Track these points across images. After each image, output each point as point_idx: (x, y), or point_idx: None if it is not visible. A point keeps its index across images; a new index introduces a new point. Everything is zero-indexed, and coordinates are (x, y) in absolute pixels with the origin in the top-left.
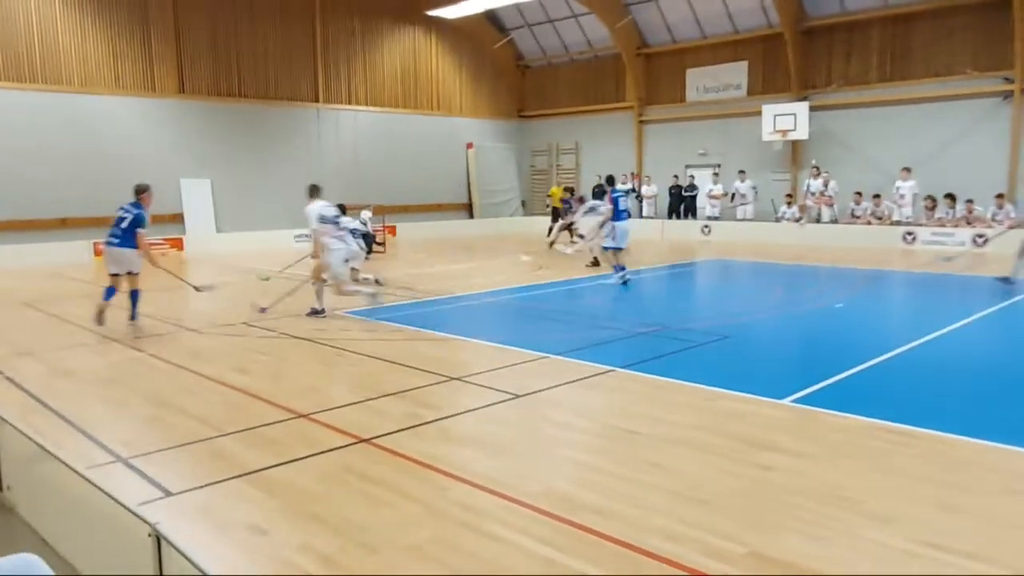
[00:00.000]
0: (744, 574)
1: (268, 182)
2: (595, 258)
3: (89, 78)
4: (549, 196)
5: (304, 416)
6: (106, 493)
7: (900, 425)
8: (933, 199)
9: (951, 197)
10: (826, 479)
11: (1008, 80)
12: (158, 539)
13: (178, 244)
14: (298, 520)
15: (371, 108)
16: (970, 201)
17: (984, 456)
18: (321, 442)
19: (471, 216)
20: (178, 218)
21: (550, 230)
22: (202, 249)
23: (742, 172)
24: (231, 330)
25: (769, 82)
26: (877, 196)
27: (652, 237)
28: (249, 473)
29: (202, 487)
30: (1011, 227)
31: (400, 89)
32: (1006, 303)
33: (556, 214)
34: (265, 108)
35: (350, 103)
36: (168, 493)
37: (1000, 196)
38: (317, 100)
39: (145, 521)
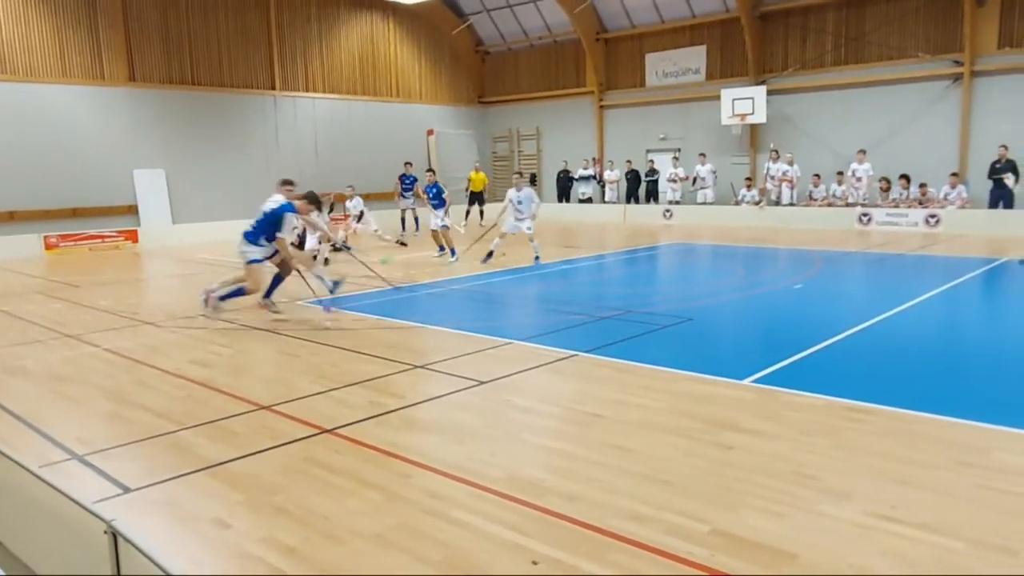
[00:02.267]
0: (707, 551)
1: (225, 171)
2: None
3: (34, 67)
4: (469, 181)
5: (266, 408)
6: (60, 491)
7: (857, 402)
8: (888, 180)
9: (905, 178)
10: (786, 457)
11: (957, 63)
12: (115, 536)
13: (132, 236)
14: (262, 512)
15: (329, 95)
16: (923, 185)
17: (937, 430)
18: (284, 433)
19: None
20: (132, 210)
21: (467, 213)
22: (158, 241)
23: (702, 156)
24: (190, 323)
25: (727, 66)
26: (840, 173)
27: (615, 221)
28: (211, 467)
29: (162, 482)
30: (963, 206)
31: (359, 76)
32: (957, 281)
33: (475, 199)
34: (220, 96)
35: (308, 90)
36: (127, 489)
37: (954, 175)
38: (274, 87)
39: (100, 518)
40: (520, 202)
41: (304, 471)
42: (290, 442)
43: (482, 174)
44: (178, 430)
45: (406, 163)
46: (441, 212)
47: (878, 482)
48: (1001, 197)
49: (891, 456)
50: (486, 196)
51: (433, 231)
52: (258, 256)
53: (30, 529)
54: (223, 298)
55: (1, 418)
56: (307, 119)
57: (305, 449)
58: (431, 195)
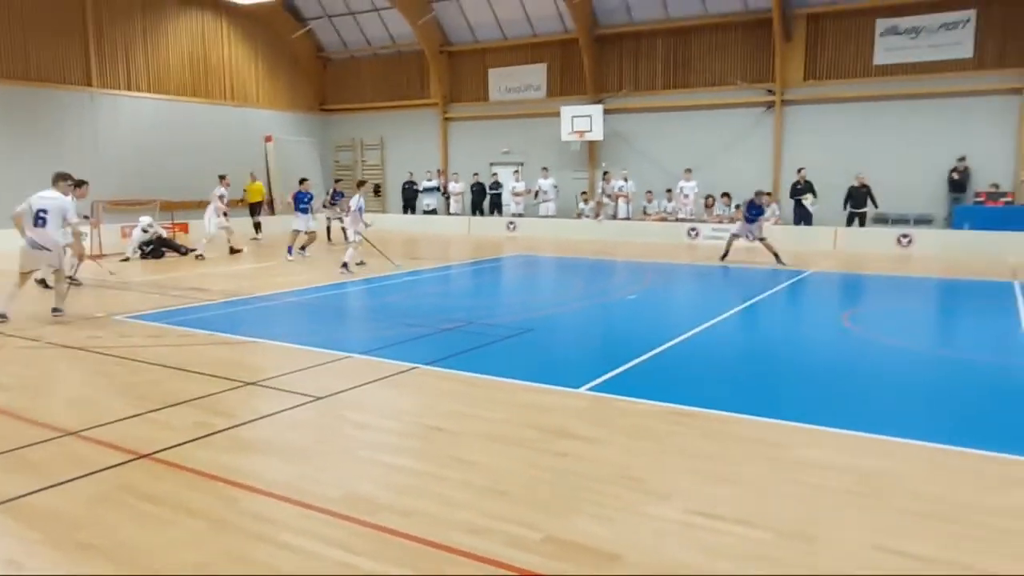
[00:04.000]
0: (540, 559)
1: (33, 172)
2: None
3: None
4: (245, 191)
5: (72, 434)
6: None
7: (681, 406)
8: (712, 197)
9: (727, 196)
10: (614, 461)
11: (770, 92)
12: None
13: None
14: (63, 550)
15: (155, 95)
16: (739, 206)
17: (749, 430)
18: (92, 461)
19: (272, 212)
20: None
21: (256, 226)
22: None
23: (544, 170)
24: None
25: (567, 84)
26: (669, 190)
27: (459, 233)
28: (5, 502)
29: None
30: (776, 223)
31: (189, 76)
32: (768, 292)
33: (253, 210)
34: (27, 90)
35: (130, 89)
36: None
37: (768, 195)
38: (91, 84)
39: None
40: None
41: (117, 501)
42: (100, 470)
43: (259, 184)
44: None
45: (302, 180)
46: (308, 217)
47: (698, 481)
48: (802, 216)
49: (709, 456)
50: (263, 208)
51: (295, 231)
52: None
53: None
54: None
55: None
56: (129, 119)
57: (118, 477)
58: (304, 201)
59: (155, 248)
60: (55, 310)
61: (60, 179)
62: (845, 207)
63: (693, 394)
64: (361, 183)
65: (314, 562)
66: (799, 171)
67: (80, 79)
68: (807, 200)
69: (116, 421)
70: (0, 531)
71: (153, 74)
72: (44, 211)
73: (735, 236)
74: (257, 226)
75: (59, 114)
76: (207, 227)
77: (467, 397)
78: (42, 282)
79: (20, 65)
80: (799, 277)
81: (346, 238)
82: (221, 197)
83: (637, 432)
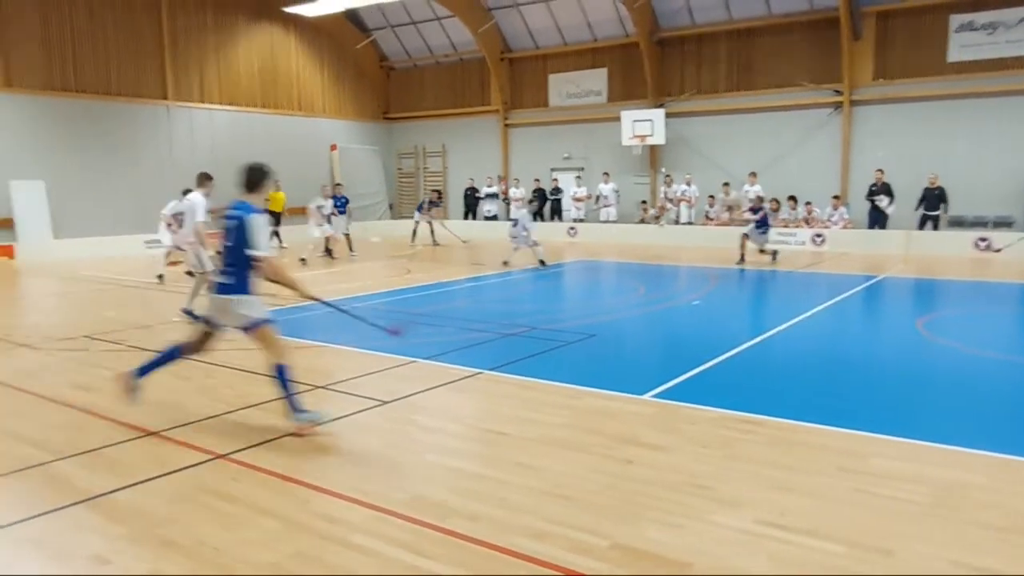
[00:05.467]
0: (607, 566)
1: (114, 184)
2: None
3: None
4: (267, 200)
5: (154, 434)
6: None
7: (748, 414)
8: (777, 201)
9: (793, 199)
10: (681, 469)
11: (838, 93)
12: None
13: (8, 252)
14: (146, 546)
15: (228, 107)
16: (809, 203)
17: (820, 439)
18: (172, 461)
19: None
20: (7, 223)
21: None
22: (37, 257)
23: (605, 175)
24: (72, 344)
25: (628, 89)
26: (727, 189)
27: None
28: (90, 499)
29: (36, 517)
30: (845, 227)
31: (259, 88)
32: (840, 297)
33: (276, 219)
34: (108, 104)
35: (204, 101)
36: None
37: (836, 198)
38: (166, 97)
39: None
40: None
41: (194, 500)
42: (180, 469)
43: (282, 194)
44: (54, 460)
45: (336, 184)
46: (344, 220)
47: (767, 490)
48: (877, 219)
49: (779, 465)
50: (283, 218)
51: (329, 236)
52: None
53: None
54: None
55: None
56: (204, 131)
57: (196, 476)
58: (339, 205)
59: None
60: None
61: (205, 179)
62: (918, 209)
63: (761, 402)
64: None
65: (385, 565)
66: (878, 172)
67: (157, 93)
68: (883, 202)
69: (194, 422)
70: (86, 526)
71: (224, 87)
72: (181, 213)
73: (747, 236)
74: (276, 234)
75: (137, 127)
76: (311, 234)
77: (531, 402)
78: (189, 272)
79: (103, 81)
80: (871, 282)
81: (434, 242)
82: (319, 208)
83: (704, 439)
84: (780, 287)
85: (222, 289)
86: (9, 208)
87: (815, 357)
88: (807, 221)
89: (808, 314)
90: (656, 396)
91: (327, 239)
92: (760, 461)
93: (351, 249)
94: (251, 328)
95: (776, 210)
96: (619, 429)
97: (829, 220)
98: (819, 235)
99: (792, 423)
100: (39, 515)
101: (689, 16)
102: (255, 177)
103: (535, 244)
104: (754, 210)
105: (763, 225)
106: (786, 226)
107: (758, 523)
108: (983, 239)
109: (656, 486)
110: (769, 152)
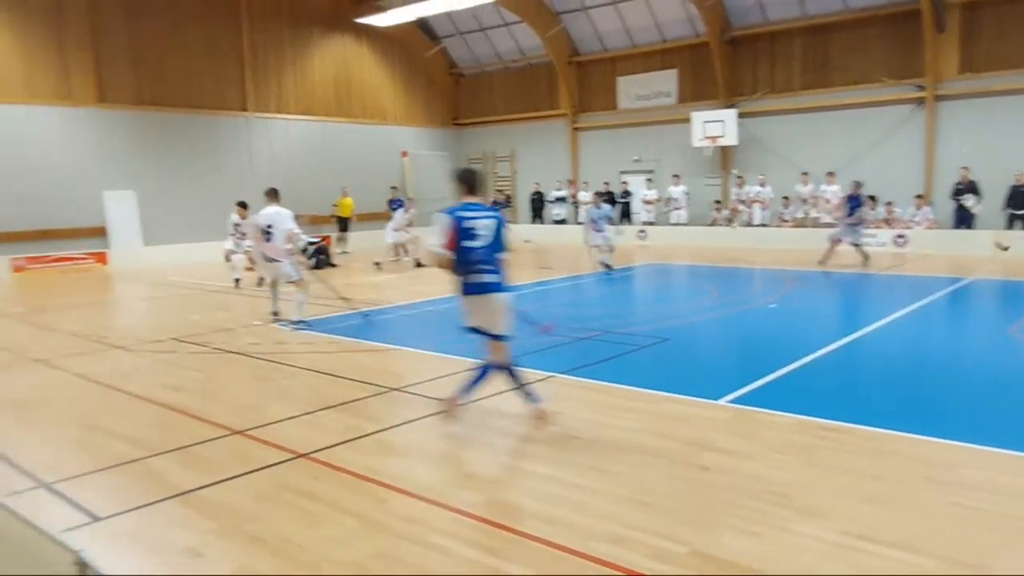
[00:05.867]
0: (686, 573)
1: (198, 193)
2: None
3: (0, 87)
4: (335, 206)
5: (239, 433)
6: (26, 521)
7: (829, 421)
8: None
9: (873, 199)
10: (760, 476)
11: (920, 88)
12: (83, 568)
13: (102, 259)
14: (235, 541)
15: (303, 117)
16: (890, 203)
17: (906, 448)
18: (257, 459)
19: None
20: (101, 231)
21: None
22: (128, 263)
23: (676, 177)
24: (161, 346)
25: (698, 90)
26: (805, 178)
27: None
28: (182, 494)
29: (133, 510)
30: (929, 227)
31: (333, 98)
32: (925, 301)
33: (344, 225)
34: (192, 117)
35: (281, 112)
36: (96, 518)
37: (919, 197)
38: (246, 109)
39: (68, 549)
40: (595, 220)
41: (278, 498)
42: (264, 468)
43: (349, 199)
44: (148, 456)
45: (393, 187)
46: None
47: (850, 500)
48: (963, 218)
49: (863, 474)
50: (351, 223)
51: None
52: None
53: None
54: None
55: None
56: (281, 141)
57: (279, 475)
58: (394, 209)
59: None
60: (294, 322)
61: (275, 194)
62: (1005, 208)
63: (842, 408)
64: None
65: (463, 565)
66: (963, 170)
67: (237, 105)
68: (969, 201)
69: (276, 422)
70: (179, 521)
71: (300, 97)
72: (270, 226)
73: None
74: (341, 239)
75: (218, 138)
76: (388, 239)
77: (604, 406)
78: (260, 280)
79: (186, 95)
80: (958, 285)
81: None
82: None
83: (783, 446)
84: (860, 290)
85: (490, 287)
86: (103, 217)
87: (899, 363)
88: (887, 222)
89: (891, 318)
90: (731, 401)
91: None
92: (842, 470)
93: (407, 254)
94: (503, 336)
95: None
96: (694, 434)
97: (912, 220)
98: (901, 236)
99: (876, 431)
100: (135, 508)
101: (762, 13)
102: (472, 179)
103: (610, 248)
104: (851, 197)
105: (855, 209)
106: (866, 227)
107: (842, 534)
108: None
109: (734, 493)
110: (847, 151)
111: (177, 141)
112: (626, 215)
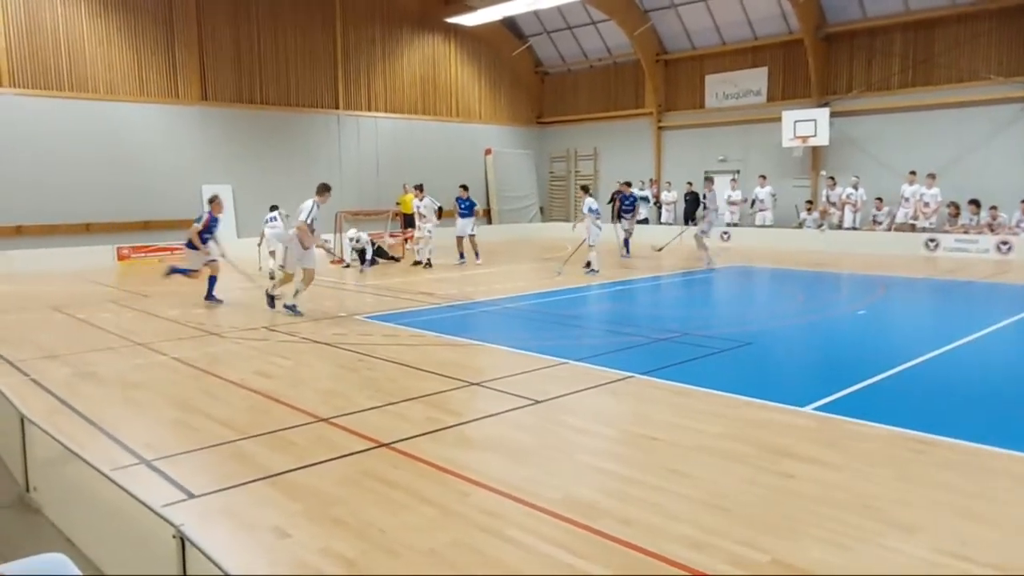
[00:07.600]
0: None
1: (288, 188)
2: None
3: (114, 85)
4: (398, 204)
5: (325, 420)
6: (131, 495)
7: (922, 433)
8: (956, 205)
9: (975, 203)
10: (849, 487)
11: None
12: (182, 541)
13: None
14: (320, 523)
15: (391, 115)
16: (994, 208)
17: (1006, 465)
18: (342, 446)
19: (490, 222)
20: None
21: (406, 240)
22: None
23: (762, 178)
24: (253, 335)
25: (789, 88)
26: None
27: (672, 243)
28: (271, 476)
29: (225, 489)
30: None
31: (419, 96)
32: None
33: (407, 222)
34: (287, 115)
35: (370, 110)
36: (191, 495)
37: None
38: (338, 107)
39: (170, 523)
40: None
41: (361, 484)
42: (348, 455)
43: (410, 195)
44: (240, 439)
45: (463, 186)
46: (471, 222)
47: (945, 516)
48: None
49: (959, 490)
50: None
51: (459, 238)
52: None
53: (100, 530)
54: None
55: (74, 421)
56: (369, 138)
57: (362, 462)
58: (463, 207)
59: (373, 257)
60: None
61: (325, 189)
62: None
63: (936, 420)
64: (584, 188)
65: (537, 559)
66: None
67: (329, 103)
68: None
69: (360, 411)
70: (267, 501)
71: (389, 95)
72: (314, 219)
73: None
74: (407, 240)
75: (311, 135)
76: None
77: (684, 408)
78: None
79: (283, 93)
80: None
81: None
82: (439, 210)
83: (872, 458)
84: (958, 298)
85: None
86: (201, 209)
87: (999, 375)
88: (991, 227)
89: (991, 328)
90: (817, 409)
91: (459, 240)
92: (936, 485)
93: (475, 253)
94: None
95: (955, 215)
96: (777, 441)
97: (1017, 226)
98: (1005, 242)
99: (973, 446)
100: (227, 488)
101: (860, 8)
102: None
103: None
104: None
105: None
106: (966, 232)
107: (936, 551)
108: None
109: (819, 503)
110: (947, 152)
111: (272, 137)
112: (691, 217)
